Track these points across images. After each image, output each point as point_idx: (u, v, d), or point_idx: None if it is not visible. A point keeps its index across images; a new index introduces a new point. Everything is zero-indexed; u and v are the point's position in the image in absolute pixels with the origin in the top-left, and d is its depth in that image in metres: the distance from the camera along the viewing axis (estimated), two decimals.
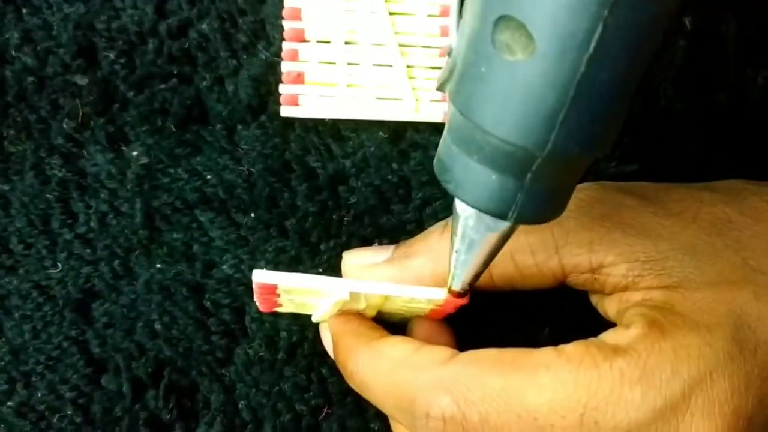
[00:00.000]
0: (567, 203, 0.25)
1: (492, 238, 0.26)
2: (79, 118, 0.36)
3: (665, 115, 0.37)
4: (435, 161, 0.25)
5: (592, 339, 0.28)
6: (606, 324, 0.31)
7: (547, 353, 0.27)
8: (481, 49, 0.21)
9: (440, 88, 0.24)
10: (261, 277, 0.29)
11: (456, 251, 0.27)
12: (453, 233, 0.27)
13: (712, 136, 0.37)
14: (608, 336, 0.28)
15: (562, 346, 0.27)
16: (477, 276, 0.28)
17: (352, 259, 0.33)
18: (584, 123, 0.21)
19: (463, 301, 0.30)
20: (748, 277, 0.28)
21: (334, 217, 0.35)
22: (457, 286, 0.28)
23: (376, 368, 0.30)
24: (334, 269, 0.35)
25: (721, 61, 0.37)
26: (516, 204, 0.23)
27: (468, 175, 0.23)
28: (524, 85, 0.21)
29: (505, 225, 0.25)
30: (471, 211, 0.25)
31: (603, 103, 0.21)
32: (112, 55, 0.36)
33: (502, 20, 0.20)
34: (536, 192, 0.23)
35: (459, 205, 0.26)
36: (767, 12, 0.37)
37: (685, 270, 0.28)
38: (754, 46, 0.37)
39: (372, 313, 0.32)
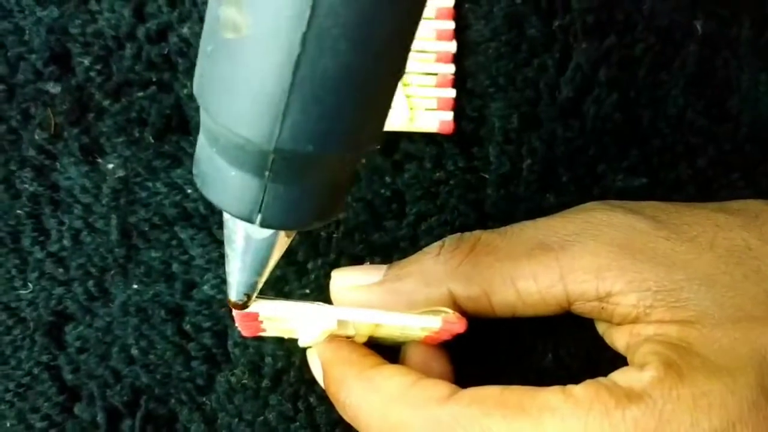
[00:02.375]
0: (338, 207, 0.23)
1: (255, 243, 0.23)
2: (52, 129, 0.34)
3: (675, 125, 0.34)
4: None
5: (602, 379, 0.26)
6: (613, 352, 0.29)
7: (554, 395, 0.25)
8: (209, 25, 0.19)
9: None
10: None
11: (226, 256, 0.24)
12: (225, 237, 0.24)
13: (724, 148, 0.34)
14: (620, 377, 0.25)
15: (570, 387, 0.25)
16: (253, 284, 0.25)
17: (340, 279, 0.31)
18: (313, 116, 0.19)
19: (460, 329, 0.28)
20: None
21: (322, 233, 0.33)
22: (233, 296, 0.25)
23: (369, 402, 0.28)
24: (321, 290, 0.33)
25: (734, 67, 0.35)
26: (261, 206, 0.21)
27: (213, 170, 0.21)
28: (243, 68, 0.18)
29: (261, 230, 0.22)
30: None
31: (333, 95, 0.19)
32: (87, 62, 0.34)
33: None
34: (282, 193, 0.21)
35: None
36: None
37: (702, 303, 0.26)
38: None
39: (363, 339, 0.30)
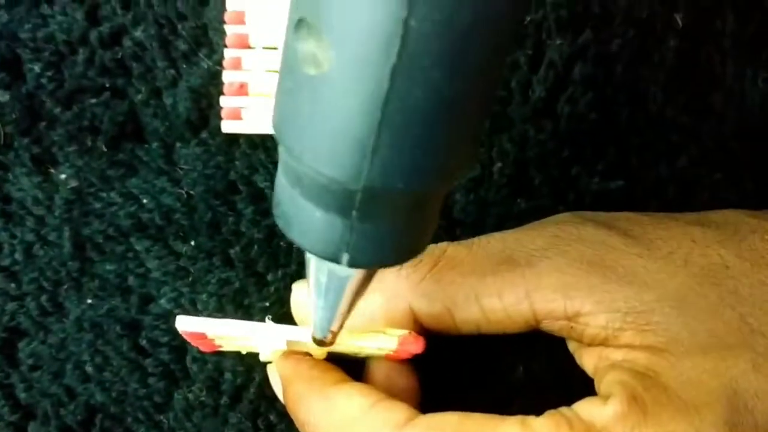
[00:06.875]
0: (425, 242, 0.21)
1: (340, 283, 0.22)
2: (2, 139, 0.32)
3: (655, 124, 0.33)
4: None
5: (564, 410, 0.24)
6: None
7: (513, 427, 0.24)
8: (287, 60, 0.18)
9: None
10: (185, 325, 0.26)
11: (309, 295, 0.23)
12: (307, 275, 0.23)
13: (706, 147, 0.33)
14: (583, 408, 0.24)
15: (530, 419, 0.24)
16: (339, 321, 0.24)
17: (301, 292, 0.30)
18: (403, 152, 0.17)
19: (418, 349, 0.27)
20: (747, 341, 0.24)
21: (282, 243, 0.32)
22: (317, 334, 0.25)
23: (328, 422, 0.26)
24: (283, 302, 0.31)
25: (717, 61, 0.33)
26: (348, 246, 0.19)
27: (295, 211, 0.20)
28: (328, 105, 0.17)
29: (347, 269, 0.21)
30: None
31: (425, 128, 0.17)
32: (37, 68, 0.33)
33: (302, 24, 0.17)
34: (370, 232, 0.19)
35: None
36: None
37: (673, 328, 0.24)
38: (754, 43, 0.33)
39: (322, 355, 0.29)
